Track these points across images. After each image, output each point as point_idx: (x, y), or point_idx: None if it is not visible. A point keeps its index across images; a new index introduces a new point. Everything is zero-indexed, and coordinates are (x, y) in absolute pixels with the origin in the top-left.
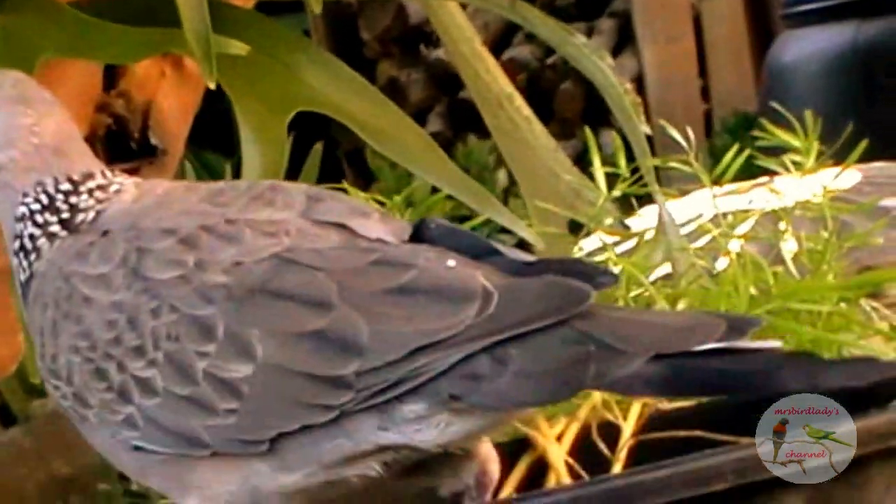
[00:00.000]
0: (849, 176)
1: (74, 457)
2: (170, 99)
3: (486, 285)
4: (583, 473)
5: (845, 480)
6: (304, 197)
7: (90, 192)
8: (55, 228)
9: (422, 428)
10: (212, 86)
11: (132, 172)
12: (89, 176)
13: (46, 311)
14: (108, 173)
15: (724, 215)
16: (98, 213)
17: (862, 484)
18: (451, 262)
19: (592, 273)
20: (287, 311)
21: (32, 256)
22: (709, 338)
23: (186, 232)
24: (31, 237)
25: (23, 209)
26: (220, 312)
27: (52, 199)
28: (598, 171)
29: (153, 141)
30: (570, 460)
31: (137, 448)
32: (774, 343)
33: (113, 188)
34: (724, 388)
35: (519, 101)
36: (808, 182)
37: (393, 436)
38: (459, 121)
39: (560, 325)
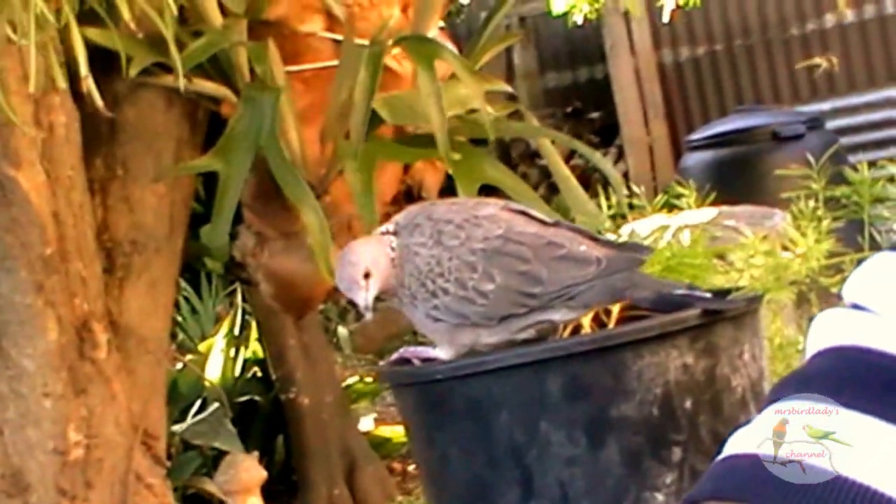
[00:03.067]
0: (711, 211)
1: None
2: (431, 177)
3: (598, 256)
4: (596, 329)
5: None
6: (501, 201)
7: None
8: (396, 228)
9: (558, 314)
10: (450, 171)
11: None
12: (398, 207)
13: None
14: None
15: (662, 227)
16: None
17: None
18: (583, 248)
19: (641, 249)
20: (509, 261)
21: (394, 240)
22: (677, 289)
23: (457, 222)
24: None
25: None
26: (479, 260)
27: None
28: (605, 209)
29: (423, 194)
30: (592, 324)
31: (437, 320)
32: (704, 293)
33: (409, 208)
34: (678, 307)
35: (574, 180)
36: (693, 214)
37: (545, 318)
38: (552, 191)
39: (624, 273)
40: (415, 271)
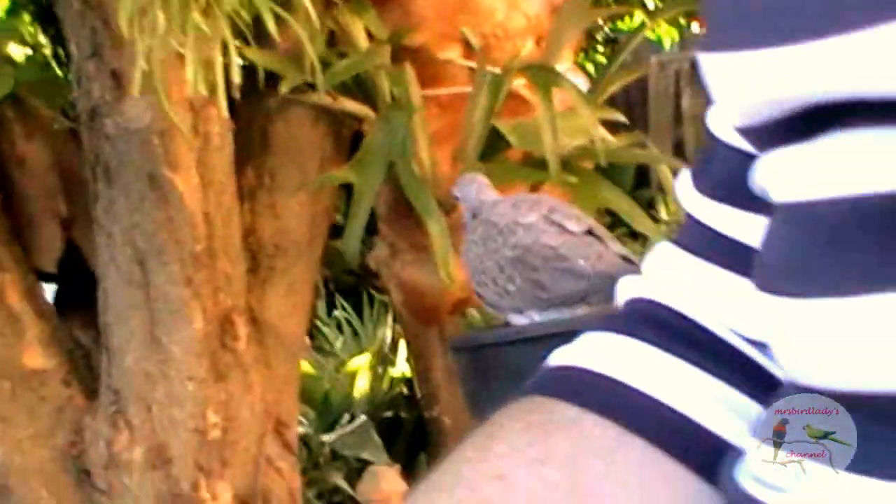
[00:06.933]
0: None
1: None
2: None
3: (590, 273)
4: None
5: None
6: (549, 204)
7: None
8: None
9: (581, 310)
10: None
11: None
12: None
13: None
14: None
15: None
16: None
17: None
18: (582, 262)
19: (636, 265)
20: (524, 269)
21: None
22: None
23: (500, 227)
24: None
25: None
26: (506, 265)
27: None
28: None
29: None
30: None
31: (489, 305)
32: None
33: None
34: None
35: None
36: None
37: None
38: None
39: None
40: (468, 262)
